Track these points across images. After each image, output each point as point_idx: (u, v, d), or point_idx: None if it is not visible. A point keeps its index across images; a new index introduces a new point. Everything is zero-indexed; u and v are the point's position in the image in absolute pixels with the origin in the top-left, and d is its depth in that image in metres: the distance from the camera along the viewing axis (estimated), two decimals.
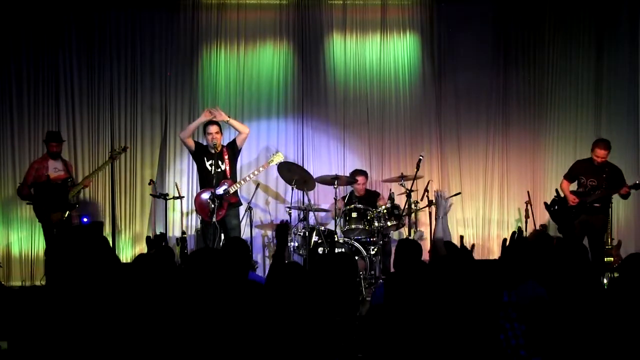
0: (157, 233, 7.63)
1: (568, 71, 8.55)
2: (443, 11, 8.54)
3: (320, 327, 3.14)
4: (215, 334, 2.94)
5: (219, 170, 6.96)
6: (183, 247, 7.00)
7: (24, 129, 8.24)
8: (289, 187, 7.53)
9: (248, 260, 3.88)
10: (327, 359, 3.12)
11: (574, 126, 8.54)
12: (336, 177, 7.48)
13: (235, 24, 8.45)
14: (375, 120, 8.52)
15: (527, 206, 7.78)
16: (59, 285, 3.00)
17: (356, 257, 6.81)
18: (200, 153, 7.12)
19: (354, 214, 7.23)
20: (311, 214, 7.37)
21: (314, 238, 7.17)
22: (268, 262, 8.17)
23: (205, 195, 6.96)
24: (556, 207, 6.33)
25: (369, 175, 8.06)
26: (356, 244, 7.07)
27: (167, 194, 7.57)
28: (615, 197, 7.33)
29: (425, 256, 5.59)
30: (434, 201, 7.51)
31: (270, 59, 8.50)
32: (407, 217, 7.40)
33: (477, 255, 7.99)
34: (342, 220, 7.30)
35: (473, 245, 3.64)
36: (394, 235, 7.92)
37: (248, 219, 7.49)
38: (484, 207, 8.55)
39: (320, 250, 7.09)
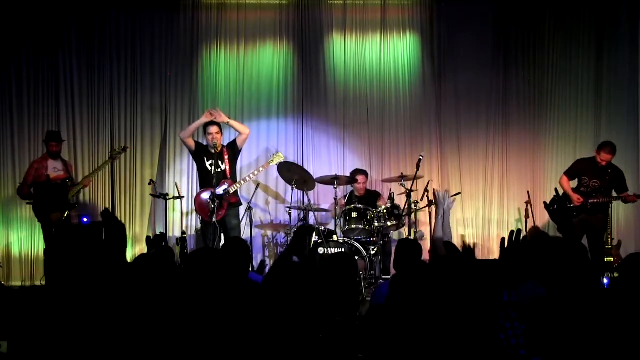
0: (157, 233, 7.63)
1: (568, 71, 8.55)
2: (443, 11, 8.54)
3: (320, 327, 3.14)
4: (215, 334, 2.94)
5: (219, 170, 6.96)
6: (183, 247, 7.00)
7: (24, 129, 8.24)
8: (289, 187, 7.53)
9: (248, 260, 3.88)
10: (327, 359, 3.12)
11: (574, 126, 8.54)
12: (336, 177, 7.48)
13: (235, 24, 8.45)
14: (375, 120, 8.52)
15: (527, 206, 7.78)
16: (59, 285, 3.00)
17: (356, 257, 6.81)
18: (200, 153, 7.12)
19: (354, 214, 7.23)
20: (311, 214, 7.37)
21: (314, 238, 7.17)
22: (268, 262, 8.16)
23: (205, 195, 6.96)
24: (555, 207, 6.34)
25: (369, 175, 8.06)
26: (356, 244, 7.07)
27: (167, 194, 7.57)
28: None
29: (426, 256, 5.58)
30: (434, 201, 7.51)
31: (270, 59, 8.51)
32: (407, 217, 7.40)
33: (477, 255, 8.00)
34: (342, 220, 7.30)
35: (474, 245, 3.64)
36: (394, 235, 7.92)
37: (248, 219, 7.50)
38: (484, 207, 8.55)
39: (320, 250, 7.08)
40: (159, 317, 2.94)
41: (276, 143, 8.40)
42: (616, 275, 6.94)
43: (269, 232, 8.34)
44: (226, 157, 7.05)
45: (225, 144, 7.15)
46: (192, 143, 7.18)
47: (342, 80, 8.52)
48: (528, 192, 7.91)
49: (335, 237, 7.22)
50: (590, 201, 7.11)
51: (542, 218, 8.11)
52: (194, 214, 8.01)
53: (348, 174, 7.92)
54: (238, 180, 7.19)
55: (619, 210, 8.19)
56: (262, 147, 8.44)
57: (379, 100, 8.52)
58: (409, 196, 7.23)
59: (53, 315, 2.79)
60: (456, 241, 7.32)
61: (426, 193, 7.50)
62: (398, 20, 8.57)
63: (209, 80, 8.45)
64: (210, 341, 2.93)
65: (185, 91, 8.41)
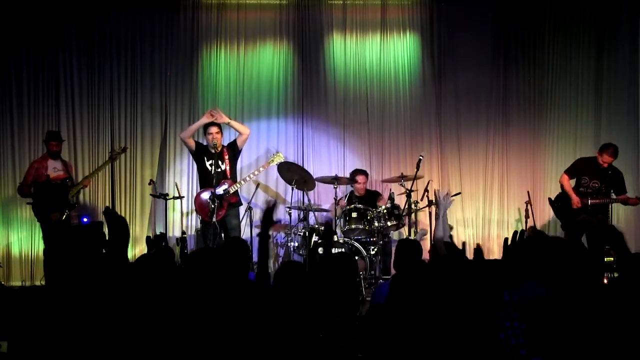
0: (157, 233, 7.63)
1: (568, 71, 8.55)
2: (443, 11, 8.54)
3: (320, 327, 3.14)
4: (215, 333, 2.94)
5: (219, 170, 6.96)
6: (183, 247, 7.00)
7: (24, 129, 8.24)
8: (289, 187, 7.53)
9: (248, 260, 3.88)
10: (327, 359, 3.12)
11: (574, 126, 8.54)
12: (336, 177, 7.49)
13: (235, 24, 8.45)
14: (375, 120, 8.52)
15: (527, 206, 7.77)
16: (59, 285, 3.00)
17: (356, 257, 6.81)
18: (200, 153, 7.13)
19: (354, 214, 7.23)
20: (311, 213, 7.37)
21: (314, 238, 7.17)
22: (268, 262, 8.16)
23: (205, 195, 6.96)
24: (560, 204, 6.34)
25: (369, 175, 8.06)
26: (356, 244, 7.07)
27: (167, 194, 7.57)
28: None
29: (426, 256, 5.57)
30: (434, 200, 7.51)
31: (270, 59, 8.51)
32: (407, 217, 7.41)
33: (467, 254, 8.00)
34: (342, 220, 7.30)
35: (478, 245, 3.64)
36: (394, 235, 7.92)
37: (248, 219, 7.50)
38: (484, 207, 8.55)
39: (320, 250, 7.08)
40: (159, 317, 2.94)
41: (276, 143, 8.40)
42: (616, 275, 6.94)
43: (269, 232, 8.32)
44: (226, 157, 7.05)
45: (225, 144, 7.16)
46: (192, 143, 7.19)
47: (342, 80, 8.52)
48: (528, 192, 7.91)
49: (335, 237, 7.21)
50: (591, 202, 7.13)
51: (542, 218, 8.12)
52: (194, 214, 8.01)
53: (348, 174, 7.93)
54: (238, 180, 7.19)
55: (619, 211, 8.19)
56: (262, 147, 8.43)
57: (379, 100, 8.52)
58: (409, 196, 7.23)
59: (53, 315, 2.79)
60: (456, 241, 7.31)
61: (426, 193, 7.50)
62: (398, 20, 8.57)
63: (209, 80, 8.45)
64: (211, 341, 2.93)
65: (185, 91, 8.41)
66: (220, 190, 6.89)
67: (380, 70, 8.53)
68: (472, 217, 8.55)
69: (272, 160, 7.36)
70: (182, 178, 8.31)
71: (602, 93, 8.52)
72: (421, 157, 7.46)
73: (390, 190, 7.47)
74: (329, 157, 8.51)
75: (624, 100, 8.43)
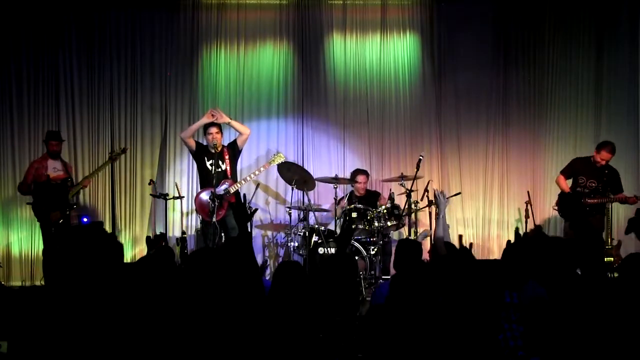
0: (157, 233, 7.63)
1: (568, 71, 8.55)
2: (443, 11, 8.53)
3: (321, 327, 3.14)
4: (216, 333, 2.94)
5: (219, 170, 6.96)
6: (183, 247, 7.00)
7: (24, 129, 8.24)
8: (289, 187, 7.53)
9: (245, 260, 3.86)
10: (327, 359, 3.12)
11: (574, 126, 8.54)
12: (336, 177, 7.48)
13: (235, 24, 8.45)
14: (375, 120, 8.52)
15: (527, 206, 7.77)
16: (58, 285, 3.00)
17: (356, 257, 6.81)
18: (200, 153, 7.13)
19: (354, 214, 7.23)
20: (311, 214, 7.37)
21: (314, 238, 7.17)
22: (268, 262, 8.16)
23: (206, 195, 6.96)
24: (569, 202, 6.30)
25: (369, 175, 8.06)
26: (356, 244, 7.07)
27: (167, 194, 7.56)
28: None
29: (426, 256, 5.57)
30: (434, 201, 7.51)
31: (270, 59, 8.50)
32: (407, 217, 7.40)
33: (477, 255, 7.99)
34: (342, 220, 7.30)
35: (471, 245, 3.65)
36: (394, 235, 7.92)
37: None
38: (484, 207, 8.55)
39: (320, 250, 7.09)
40: (159, 317, 2.94)
41: (276, 143, 8.40)
42: (616, 275, 6.94)
43: (269, 232, 8.34)
44: (226, 157, 7.06)
45: (225, 144, 7.16)
46: (192, 143, 7.19)
47: (342, 80, 8.51)
48: (528, 192, 7.90)
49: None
50: (589, 201, 7.13)
51: (542, 218, 8.11)
52: (194, 214, 8.01)
53: (348, 174, 7.92)
54: (238, 180, 7.19)
55: (619, 210, 8.19)
56: (262, 147, 8.43)
57: (379, 100, 8.52)
58: (409, 196, 7.23)
59: (53, 315, 2.79)
60: (455, 242, 7.31)
61: (426, 193, 7.50)
62: (398, 20, 8.57)
63: (209, 80, 8.45)
64: (211, 341, 2.92)
65: (185, 91, 8.40)
66: (220, 190, 6.89)
67: (380, 70, 8.53)
68: (472, 217, 8.55)
69: (273, 160, 7.36)
70: (182, 178, 8.31)
71: (602, 93, 8.52)
72: (421, 157, 7.46)
73: (390, 190, 7.47)
74: (329, 157, 8.51)
75: (624, 100, 8.43)
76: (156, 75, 8.39)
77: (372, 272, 7.13)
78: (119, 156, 7.48)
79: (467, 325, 2.79)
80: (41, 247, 7.38)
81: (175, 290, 3.16)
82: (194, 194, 7.66)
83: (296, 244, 7.39)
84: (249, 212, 3.80)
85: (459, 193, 8.08)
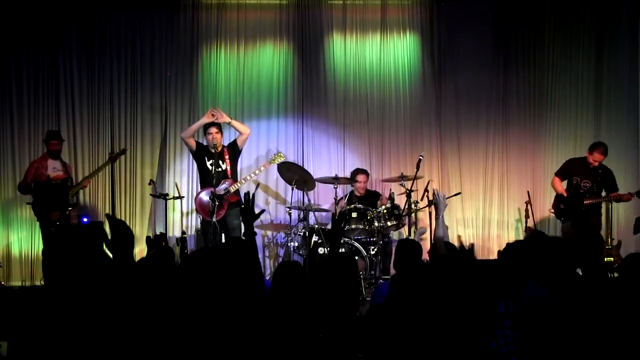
0: (157, 233, 7.63)
1: (568, 71, 8.55)
2: (443, 11, 8.54)
3: (321, 327, 3.14)
4: (215, 333, 2.94)
5: (219, 170, 6.96)
6: (183, 247, 7.00)
7: (24, 129, 8.24)
8: (289, 187, 7.53)
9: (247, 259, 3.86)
10: (327, 359, 3.12)
11: (574, 126, 8.54)
12: (336, 177, 7.48)
13: (235, 24, 8.45)
14: (375, 120, 8.52)
15: (527, 206, 7.78)
16: (57, 284, 3.00)
17: (356, 257, 6.81)
18: (201, 152, 7.13)
19: (354, 214, 7.23)
20: (311, 214, 7.37)
21: (314, 238, 7.17)
22: (268, 262, 8.17)
23: (206, 195, 6.97)
24: (570, 203, 6.31)
25: (369, 174, 8.06)
26: (356, 244, 7.07)
27: (167, 194, 7.57)
28: None
29: (426, 256, 5.58)
30: (433, 201, 7.50)
31: (270, 59, 8.50)
32: (407, 217, 7.41)
33: (476, 255, 7.99)
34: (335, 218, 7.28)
35: (472, 245, 3.64)
36: (394, 235, 7.92)
37: None
38: (484, 207, 8.55)
39: (320, 250, 7.09)
40: (159, 317, 2.94)
41: (276, 143, 8.40)
42: (616, 275, 6.94)
43: (269, 232, 8.34)
44: (227, 156, 7.06)
45: (225, 144, 7.16)
46: (193, 143, 7.19)
47: (342, 80, 8.51)
48: (528, 192, 7.91)
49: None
50: (585, 202, 7.15)
51: (542, 218, 8.11)
52: (194, 214, 8.01)
53: (348, 174, 7.92)
54: (239, 179, 7.19)
55: (619, 210, 8.19)
56: (262, 147, 8.43)
57: (379, 100, 8.52)
58: (409, 196, 7.23)
59: (53, 316, 2.79)
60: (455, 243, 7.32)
61: (426, 193, 7.51)
62: (398, 20, 8.57)
63: (209, 80, 8.45)
64: (210, 341, 2.93)
65: (185, 91, 8.40)
66: (220, 190, 6.89)
67: (380, 70, 8.53)
68: (472, 217, 8.55)
69: (273, 160, 7.36)
70: (182, 178, 8.31)
71: (602, 93, 8.52)
72: (421, 157, 7.46)
73: (390, 190, 7.47)
74: (329, 157, 8.51)
75: (624, 100, 8.44)
76: (156, 75, 8.39)
77: (372, 272, 7.13)
78: (118, 157, 7.48)
79: (466, 326, 2.79)
80: (41, 247, 7.38)
81: (175, 290, 3.16)
82: (194, 194, 7.66)
83: (296, 244, 7.39)
84: (256, 213, 3.79)
85: (459, 193, 8.09)
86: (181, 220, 8.12)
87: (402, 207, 7.30)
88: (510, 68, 8.57)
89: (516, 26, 8.56)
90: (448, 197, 7.79)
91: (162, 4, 8.40)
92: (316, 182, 7.64)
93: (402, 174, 7.51)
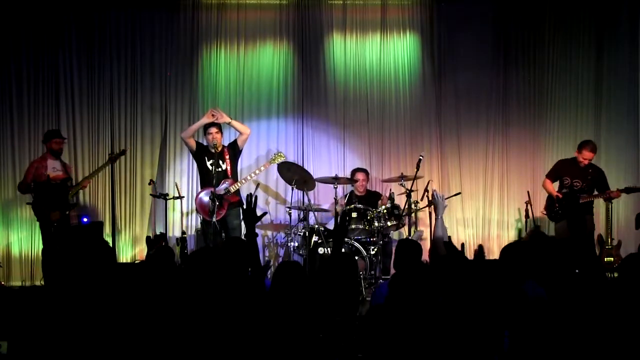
0: (157, 233, 7.63)
1: (568, 71, 8.55)
2: (443, 11, 8.53)
3: (320, 327, 3.14)
4: (215, 333, 2.94)
5: (220, 170, 6.96)
6: (183, 247, 7.00)
7: (24, 129, 8.24)
8: (289, 187, 7.53)
9: (248, 260, 3.87)
10: (327, 359, 3.12)
11: (574, 126, 8.53)
12: (336, 177, 7.48)
13: (235, 24, 8.44)
14: (375, 120, 8.52)
15: (527, 206, 7.78)
16: (57, 284, 3.00)
17: (356, 257, 6.81)
18: (201, 153, 7.14)
19: (354, 214, 7.23)
20: (311, 214, 7.37)
21: (314, 238, 7.17)
22: (271, 262, 8.16)
23: (206, 195, 6.97)
24: (565, 203, 6.32)
25: (369, 174, 8.06)
26: (356, 244, 7.07)
27: (167, 194, 7.57)
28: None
29: (426, 256, 5.58)
30: (432, 201, 7.50)
31: (270, 59, 8.50)
32: (407, 217, 7.41)
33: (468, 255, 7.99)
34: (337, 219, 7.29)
35: (462, 245, 3.64)
36: (394, 235, 7.92)
37: None
38: (484, 207, 8.55)
39: (320, 250, 7.08)
40: (159, 317, 2.94)
41: (276, 143, 8.40)
42: (616, 275, 6.95)
43: (269, 232, 8.34)
44: (227, 156, 7.06)
45: (226, 144, 7.16)
46: (193, 143, 7.19)
47: (342, 80, 8.51)
48: (528, 192, 7.91)
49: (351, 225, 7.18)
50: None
51: (542, 218, 8.10)
52: (194, 213, 8.01)
53: (348, 174, 7.92)
54: (239, 179, 7.19)
55: (619, 210, 8.20)
56: (262, 147, 8.43)
57: (379, 100, 8.52)
58: (409, 196, 7.23)
59: (53, 315, 2.79)
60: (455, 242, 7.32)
61: (426, 193, 7.51)
62: (398, 20, 8.56)
63: (209, 80, 8.45)
64: (210, 341, 2.93)
65: (185, 91, 8.40)
66: (220, 190, 6.90)
67: (380, 70, 8.53)
68: (472, 217, 8.55)
69: (273, 160, 7.36)
70: (182, 178, 8.31)
71: (602, 93, 8.52)
72: (421, 157, 7.46)
73: (390, 190, 7.47)
74: (329, 157, 8.51)
75: (624, 100, 8.44)
76: (156, 75, 8.39)
77: (372, 272, 7.13)
78: (118, 157, 7.47)
79: (467, 325, 2.79)
80: (41, 247, 7.39)
81: (175, 290, 3.16)
82: (194, 194, 7.66)
83: (296, 244, 7.39)
84: (258, 214, 3.79)
85: (459, 193, 8.09)
86: (181, 220, 8.12)
87: (402, 207, 7.30)
88: (510, 68, 8.57)
89: (516, 26, 8.56)
90: (448, 197, 7.82)
91: (162, 4, 8.40)
92: (316, 182, 7.64)
93: (402, 174, 7.51)
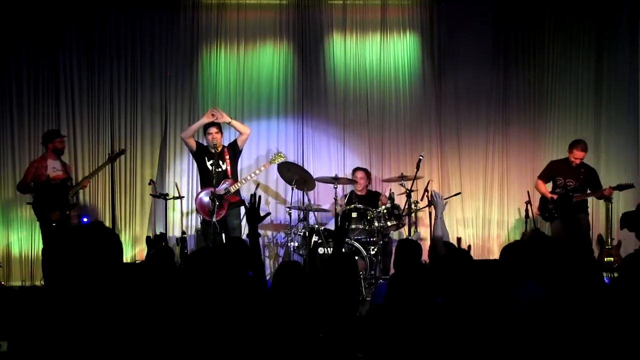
0: (157, 233, 7.63)
1: (568, 71, 8.55)
2: (443, 11, 8.53)
3: (321, 327, 3.14)
4: (215, 333, 2.94)
5: (220, 170, 6.96)
6: (183, 247, 7.00)
7: (24, 129, 8.23)
8: (289, 187, 7.53)
9: (248, 260, 3.87)
10: (327, 359, 3.12)
11: (574, 126, 8.53)
12: (336, 177, 7.48)
13: (235, 24, 8.44)
14: (375, 120, 8.52)
15: (527, 206, 7.77)
16: (57, 284, 3.00)
17: (356, 257, 6.81)
18: (201, 153, 7.14)
19: (354, 214, 7.23)
20: (311, 214, 7.37)
21: (314, 238, 7.17)
22: (268, 262, 8.17)
23: (206, 195, 6.97)
24: (559, 204, 6.35)
25: (370, 173, 8.06)
26: (356, 244, 7.07)
27: (167, 194, 7.57)
28: (616, 197, 7.41)
29: (425, 256, 5.58)
30: (432, 202, 7.50)
31: (270, 59, 8.50)
32: (407, 217, 7.41)
33: (476, 255, 7.99)
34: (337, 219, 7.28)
35: (469, 247, 3.65)
36: (394, 235, 7.92)
37: None
38: (484, 207, 8.55)
39: (320, 250, 7.09)
40: (159, 317, 2.94)
41: (276, 143, 8.40)
42: (616, 275, 6.95)
43: (269, 232, 8.34)
44: (227, 157, 7.06)
45: (226, 144, 7.16)
46: (193, 143, 7.19)
47: (342, 80, 8.51)
48: (528, 192, 7.89)
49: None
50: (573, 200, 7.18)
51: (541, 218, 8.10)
52: (194, 213, 8.01)
53: (348, 174, 7.93)
54: (239, 179, 7.19)
55: (619, 210, 8.18)
56: (262, 147, 8.43)
57: (379, 100, 8.52)
58: (409, 196, 7.23)
59: (53, 315, 2.79)
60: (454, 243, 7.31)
61: (426, 193, 7.51)
62: (398, 20, 8.56)
63: (209, 80, 8.45)
64: (211, 341, 2.93)
65: (185, 91, 8.40)
66: (221, 190, 6.90)
67: (380, 70, 8.53)
68: (472, 217, 8.55)
69: (273, 160, 7.37)
70: (182, 178, 8.31)
71: (602, 93, 8.52)
72: (421, 157, 7.47)
73: (390, 190, 7.47)
74: (329, 157, 8.51)
75: (624, 100, 8.44)
76: (156, 75, 8.39)
77: (372, 272, 7.13)
78: (117, 157, 7.47)
79: (466, 325, 2.79)
80: (41, 247, 7.39)
81: (175, 290, 3.16)
82: (194, 194, 7.66)
83: (296, 244, 7.39)
84: (261, 215, 3.79)
85: (459, 193, 8.09)
86: (181, 220, 8.12)
87: (402, 207, 7.30)
88: (510, 68, 8.57)
89: (516, 26, 8.55)
90: (448, 198, 7.83)
91: (162, 4, 8.40)
92: (316, 182, 7.64)
93: (402, 174, 7.51)
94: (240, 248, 3.87)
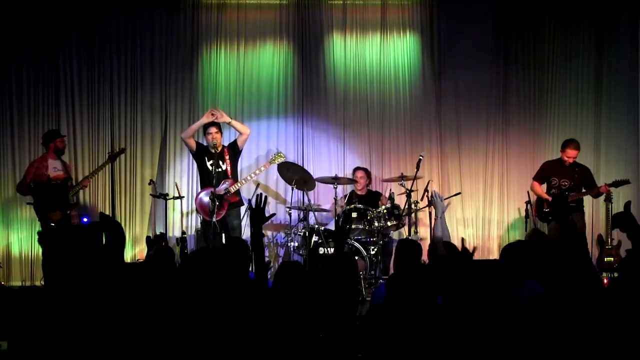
0: (157, 233, 7.63)
1: (568, 70, 8.54)
2: (443, 11, 8.52)
3: (320, 327, 3.14)
4: (215, 334, 2.94)
5: (220, 170, 6.96)
6: (183, 247, 7.00)
7: (24, 129, 8.24)
8: (289, 187, 7.53)
9: (248, 260, 3.88)
10: (327, 359, 3.12)
11: (574, 125, 8.53)
12: (336, 177, 7.48)
13: (235, 24, 8.44)
14: (375, 120, 8.51)
15: (527, 206, 7.77)
16: (57, 284, 3.00)
17: (356, 257, 6.81)
18: (201, 153, 7.14)
19: (354, 214, 7.23)
20: (311, 214, 7.37)
21: (314, 238, 7.17)
22: (271, 263, 8.16)
23: (206, 195, 6.97)
24: (554, 205, 6.36)
25: (370, 173, 8.05)
26: (356, 244, 7.07)
27: (167, 194, 7.57)
28: (616, 197, 7.40)
29: (425, 257, 5.58)
30: (432, 202, 7.50)
31: (270, 59, 8.50)
32: (407, 217, 7.41)
33: (477, 255, 7.98)
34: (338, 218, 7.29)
35: (475, 248, 3.65)
36: (394, 235, 7.92)
37: (248, 219, 7.49)
38: (484, 207, 8.55)
39: (320, 250, 7.08)
40: (159, 317, 2.94)
41: (276, 143, 8.40)
42: (616, 275, 6.94)
43: (269, 232, 8.33)
44: (227, 157, 7.06)
45: (226, 144, 7.16)
46: (193, 143, 7.19)
47: (342, 80, 8.51)
48: (528, 192, 7.89)
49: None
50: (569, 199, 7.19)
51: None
52: (194, 214, 8.01)
53: (348, 174, 7.93)
54: (239, 180, 7.19)
55: (619, 210, 8.17)
56: (262, 147, 8.43)
57: (379, 100, 8.52)
58: (409, 196, 7.23)
59: (53, 315, 2.79)
60: (457, 243, 7.31)
61: (426, 193, 7.51)
62: (398, 20, 8.56)
63: (209, 80, 8.45)
64: (211, 341, 2.93)
65: (185, 91, 8.40)
66: (221, 190, 6.90)
67: (380, 70, 8.52)
68: (472, 217, 8.54)
69: (274, 160, 7.37)
70: (182, 178, 8.31)
71: (602, 92, 8.52)
72: (421, 157, 7.47)
73: (390, 190, 7.47)
74: (329, 157, 8.51)
75: (624, 100, 8.43)
76: (156, 75, 8.39)
77: (372, 272, 7.13)
78: (117, 156, 7.47)
79: (467, 325, 2.79)
80: (41, 247, 7.36)
81: (175, 290, 3.16)
82: (194, 194, 7.66)
83: (296, 244, 7.39)
84: (266, 215, 3.78)
85: (459, 193, 8.09)
86: (181, 220, 8.12)
87: (402, 207, 7.30)
88: (510, 67, 8.56)
89: (516, 25, 8.55)
90: (448, 198, 7.83)
91: (162, 3, 8.39)
92: (316, 182, 7.64)
93: (402, 174, 7.51)
94: (240, 248, 3.86)
